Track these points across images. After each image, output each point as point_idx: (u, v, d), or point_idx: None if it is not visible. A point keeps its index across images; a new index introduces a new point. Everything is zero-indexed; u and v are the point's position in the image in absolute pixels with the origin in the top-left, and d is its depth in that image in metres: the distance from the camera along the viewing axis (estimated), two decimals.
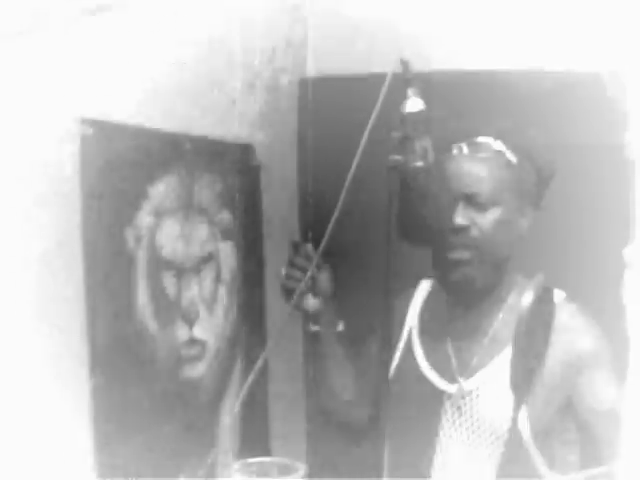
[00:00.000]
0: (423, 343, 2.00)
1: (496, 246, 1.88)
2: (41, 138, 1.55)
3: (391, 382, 1.92)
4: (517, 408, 1.61)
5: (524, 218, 1.93)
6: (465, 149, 1.90)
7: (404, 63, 1.64)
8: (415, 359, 1.99)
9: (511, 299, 1.96)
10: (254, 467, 1.66)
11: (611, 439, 1.77)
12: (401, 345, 2.03)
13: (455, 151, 1.91)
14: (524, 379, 1.56)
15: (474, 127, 1.93)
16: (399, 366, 2.00)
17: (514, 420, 1.71)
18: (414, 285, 2.12)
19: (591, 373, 1.84)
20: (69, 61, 1.60)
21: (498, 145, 1.90)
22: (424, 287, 2.12)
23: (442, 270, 1.93)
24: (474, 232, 1.86)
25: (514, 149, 1.90)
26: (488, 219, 1.86)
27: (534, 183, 1.93)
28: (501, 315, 1.94)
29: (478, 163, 1.88)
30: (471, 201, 1.87)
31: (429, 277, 2.10)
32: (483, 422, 1.87)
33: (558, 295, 1.86)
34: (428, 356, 1.97)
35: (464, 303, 1.97)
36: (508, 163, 1.90)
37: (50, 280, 1.58)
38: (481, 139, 1.91)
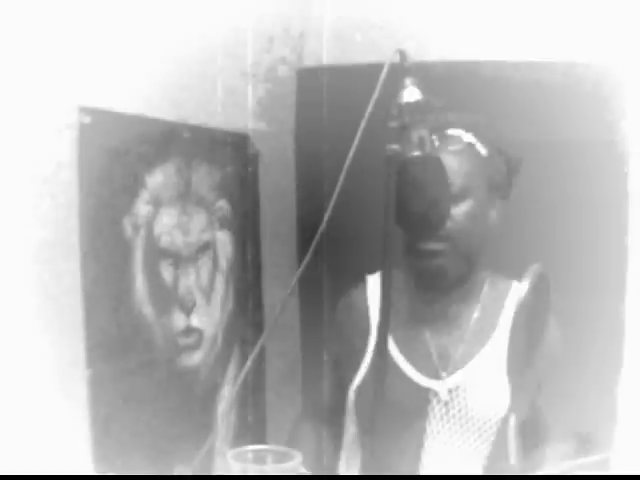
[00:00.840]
0: (395, 336, 1.97)
1: (468, 238, 1.89)
2: (39, 127, 1.55)
3: (362, 384, 1.94)
4: (514, 396, 1.61)
5: (494, 210, 1.93)
6: (436, 141, 1.89)
7: (401, 53, 1.64)
8: (391, 356, 1.97)
9: (485, 293, 1.96)
10: (249, 454, 1.67)
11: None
12: (372, 342, 1.97)
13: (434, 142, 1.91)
14: (522, 367, 1.56)
15: (446, 119, 1.93)
16: (372, 365, 1.95)
17: (511, 408, 1.71)
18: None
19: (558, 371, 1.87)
20: (68, 49, 1.60)
21: (469, 137, 1.90)
22: (374, 282, 2.05)
23: (414, 261, 1.93)
24: (448, 223, 1.85)
25: (484, 141, 1.91)
26: (461, 210, 1.87)
27: (503, 175, 1.94)
28: (478, 309, 1.95)
29: (450, 156, 1.87)
30: None
31: (372, 272, 2.07)
32: (472, 416, 1.87)
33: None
34: (405, 352, 1.95)
35: (435, 296, 1.97)
36: (478, 155, 1.90)
37: (48, 269, 1.58)
38: (452, 131, 1.91)
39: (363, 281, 2.06)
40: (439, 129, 1.91)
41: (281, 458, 1.67)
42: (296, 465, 1.65)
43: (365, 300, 2.02)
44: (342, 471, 2.05)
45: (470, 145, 1.90)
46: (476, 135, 1.91)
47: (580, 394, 2.02)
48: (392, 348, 1.94)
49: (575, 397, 1.97)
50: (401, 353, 1.94)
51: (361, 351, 1.96)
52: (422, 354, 1.93)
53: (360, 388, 1.95)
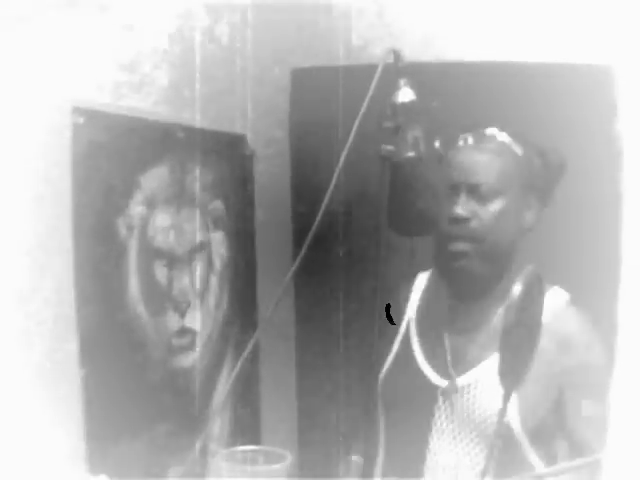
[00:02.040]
0: (420, 335, 1.98)
1: (497, 238, 1.85)
2: (33, 127, 1.55)
3: (387, 373, 1.94)
4: (506, 400, 1.61)
5: (529, 212, 1.89)
6: (470, 140, 1.88)
7: (396, 53, 1.64)
8: (412, 351, 1.97)
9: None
10: (240, 455, 1.67)
11: (592, 446, 1.79)
12: (399, 337, 2.01)
13: (461, 142, 1.90)
14: (513, 371, 1.55)
15: (479, 119, 1.92)
16: (397, 357, 1.98)
17: (502, 412, 1.71)
18: (412, 275, 2.11)
19: (582, 381, 1.84)
20: (61, 50, 1.60)
21: (503, 137, 1.88)
22: (423, 278, 2.07)
23: (442, 262, 1.92)
24: (474, 224, 1.82)
25: (522, 142, 1.89)
26: (489, 211, 1.83)
27: (542, 177, 1.91)
28: (499, 311, 1.91)
29: (482, 154, 1.86)
30: (473, 192, 1.84)
31: (427, 269, 2.08)
32: (476, 418, 1.87)
33: (562, 296, 1.85)
34: (424, 349, 1.96)
35: (464, 296, 1.95)
36: (513, 155, 1.87)
37: (41, 269, 1.58)
38: (487, 130, 1.89)
39: (413, 279, 2.08)
40: (476, 128, 1.89)
41: (272, 459, 1.68)
42: (287, 466, 1.65)
43: (408, 293, 2.04)
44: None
45: (504, 144, 1.88)
46: (512, 135, 1.89)
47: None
48: (415, 345, 1.95)
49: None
50: (421, 350, 1.94)
51: (388, 344, 1.98)
52: (439, 353, 1.93)
53: (386, 376, 1.94)
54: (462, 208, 1.83)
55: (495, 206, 1.84)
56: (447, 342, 1.93)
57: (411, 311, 2.03)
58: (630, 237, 1.28)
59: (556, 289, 1.85)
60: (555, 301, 1.81)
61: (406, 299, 2.05)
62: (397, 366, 1.95)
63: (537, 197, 1.90)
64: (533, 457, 1.83)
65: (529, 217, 1.90)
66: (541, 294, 1.60)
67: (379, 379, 1.96)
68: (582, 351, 1.83)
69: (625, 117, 1.36)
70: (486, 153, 1.86)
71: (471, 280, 1.88)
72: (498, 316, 1.88)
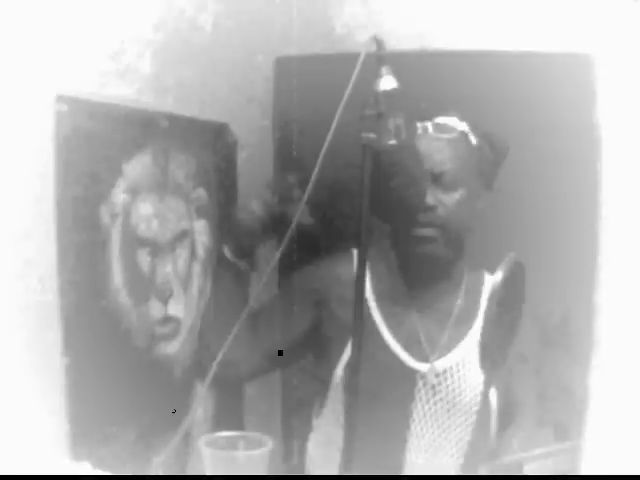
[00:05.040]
0: (385, 317, 1.99)
1: (459, 225, 1.91)
2: (16, 115, 1.55)
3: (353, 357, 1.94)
4: (488, 384, 1.63)
5: (480, 197, 1.95)
6: (430, 128, 1.91)
7: (378, 42, 1.65)
8: (380, 334, 1.97)
9: (466, 281, 1.98)
10: (222, 440, 1.68)
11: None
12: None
13: (420, 130, 1.92)
14: (495, 355, 1.57)
15: (438, 107, 1.94)
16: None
17: (485, 395, 1.73)
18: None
19: None
20: (44, 37, 1.60)
21: (462, 126, 1.92)
22: (353, 255, 2.00)
23: (405, 246, 1.95)
24: (440, 211, 1.88)
25: (474, 130, 1.93)
26: (453, 198, 1.89)
27: (489, 163, 1.96)
28: (462, 295, 1.97)
29: (444, 144, 1.89)
30: (438, 181, 1.89)
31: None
32: (458, 401, 1.89)
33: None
34: (393, 333, 1.97)
35: (423, 280, 1.98)
36: (470, 144, 1.92)
37: (24, 257, 1.58)
38: (446, 119, 1.92)
39: (347, 253, 2.03)
40: (431, 116, 1.92)
41: (253, 444, 1.68)
42: (267, 452, 1.66)
43: (352, 273, 1.83)
44: (311, 450, 2.06)
45: (463, 134, 1.92)
46: (469, 124, 1.93)
47: (552, 381, 2.04)
48: (382, 328, 1.96)
49: (548, 384, 1.99)
50: (390, 332, 1.95)
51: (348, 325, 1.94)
52: (411, 337, 1.95)
53: (352, 360, 1.94)
54: (430, 196, 1.87)
55: (457, 194, 1.89)
56: (419, 326, 1.95)
57: (367, 292, 1.97)
58: (608, 225, 1.29)
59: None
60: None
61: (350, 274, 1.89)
62: (364, 349, 1.88)
63: (485, 183, 1.96)
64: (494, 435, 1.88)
65: (480, 203, 1.97)
66: (522, 281, 1.62)
67: (339, 368, 1.97)
68: None
69: (604, 106, 1.37)
70: (448, 143, 1.90)
71: (433, 264, 1.93)
72: (462, 300, 1.98)
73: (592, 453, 1.23)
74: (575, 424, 1.69)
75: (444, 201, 1.88)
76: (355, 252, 1.96)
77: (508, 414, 1.92)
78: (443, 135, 1.91)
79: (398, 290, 2.00)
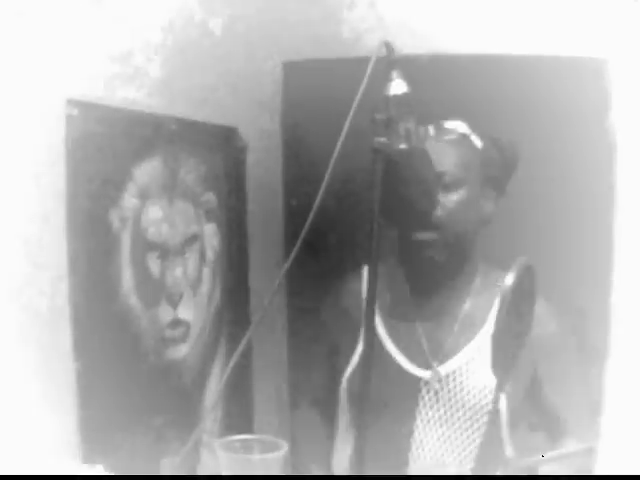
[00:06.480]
0: (388, 326, 1.99)
1: (459, 227, 1.90)
2: (27, 119, 1.55)
3: (357, 368, 1.95)
4: (500, 389, 1.62)
5: (488, 202, 1.95)
6: (431, 131, 1.91)
7: (388, 46, 1.64)
8: (381, 342, 1.98)
9: (477, 284, 1.98)
10: (237, 444, 1.68)
11: (574, 423, 1.83)
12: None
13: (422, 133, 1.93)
14: (506, 360, 1.56)
15: (450, 111, 1.94)
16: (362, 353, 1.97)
17: (495, 402, 1.72)
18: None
19: (557, 356, 1.88)
20: (55, 42, 1.60)
21: (464, 128, 1.92)
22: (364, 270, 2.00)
23: (407, 251, 1.95)
24: (438, 212, 1.87)
25: (480, 134, 1.93)
26: (452, 200, 1.88)
27: (498, 169, 1.96)
28: (469, 299, 1.96)
29: (444, 145, 1.90)
30: (437, 182, 1.89)
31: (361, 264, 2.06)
32: (462, 406, 1.88)
33: None
34: (396, 340, 1.97)
35: (427, 286, 1.98)
36: (473, 147, 1.92)
37: (34, 261, 1.58)
38: (448, 122, 1.93)
39: (359, 270, 2.06)
40: (435, 120, 1.92)
41: (268, 448, 1.68)
42: (283, 455, 1.66)
43: (360, 289, 1.99)
44: (335, 459, 2.06)
45: (464, 136, 1.92)
46: (472, 127, 1.93)
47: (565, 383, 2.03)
48: (384, 338, 1.96)
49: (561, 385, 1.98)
50: (393, 343, 1.96)
51: (355, 340, 1.97)
52: (413, 344, 1.95)
53: (353, 376, 1.96)
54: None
55: (457, 195, 1.89)
56: (421, 332, 1.95)
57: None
58: (623, 230, 1.29)
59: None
60: None
61: (360, 290, 2.01)
62: (361, 363, 1.90)
63: (494, 188, 1.97)
64: (507, 443, 1.87)
65: (487, 207, 1.96)
66: (533, 284, 1.61)
67: (344, 379, 1.98)
68: (547, 320, 1.90)
69: (619, 110, 1.37)
70: (448, 144, 1.91)
71: (435, 268, 1.92)
72: (468, 305, 1.96)
73: (607, 455, 1.23)
74: (590, 425, 1.69)
75: (443, 202, 1.88)
76: (365, 270, 1.97)
77: (556, 430, 1.92)
78: (443, 137, 1.91)
79: (403, 299, 2.00)
